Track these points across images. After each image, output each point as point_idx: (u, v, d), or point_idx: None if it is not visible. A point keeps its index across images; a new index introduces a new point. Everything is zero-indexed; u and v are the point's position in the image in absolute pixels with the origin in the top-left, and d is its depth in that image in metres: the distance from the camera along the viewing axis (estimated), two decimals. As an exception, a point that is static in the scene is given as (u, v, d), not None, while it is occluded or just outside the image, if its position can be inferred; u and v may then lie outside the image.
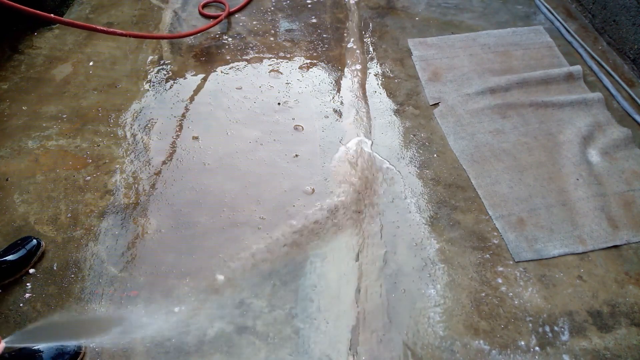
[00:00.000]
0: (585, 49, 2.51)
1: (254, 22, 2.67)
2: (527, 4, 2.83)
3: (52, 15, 1.80)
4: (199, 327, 1.50)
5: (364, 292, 1.59)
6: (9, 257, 1.57)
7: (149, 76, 2.33)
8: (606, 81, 2.32)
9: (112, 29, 2.10)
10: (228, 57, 2.45)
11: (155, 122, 2.12)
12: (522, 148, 2.02)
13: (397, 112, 2.19)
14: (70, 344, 1.41)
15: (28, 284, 1.58)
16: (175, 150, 2.01)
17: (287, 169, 1.95)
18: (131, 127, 2.09)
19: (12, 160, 1.94)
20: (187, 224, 1.76)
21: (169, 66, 2.38)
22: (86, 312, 1.52)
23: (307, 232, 1.74)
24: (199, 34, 2.56)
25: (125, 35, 2.20)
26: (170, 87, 2.28)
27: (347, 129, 2.11)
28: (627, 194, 1.87)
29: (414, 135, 2.09)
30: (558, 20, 2.67)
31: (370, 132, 2.09)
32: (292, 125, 2.12)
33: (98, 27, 2.03)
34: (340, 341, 1.48)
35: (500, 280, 1.63)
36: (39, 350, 1.39)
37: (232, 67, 2.39)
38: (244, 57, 2.45)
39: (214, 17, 2.67)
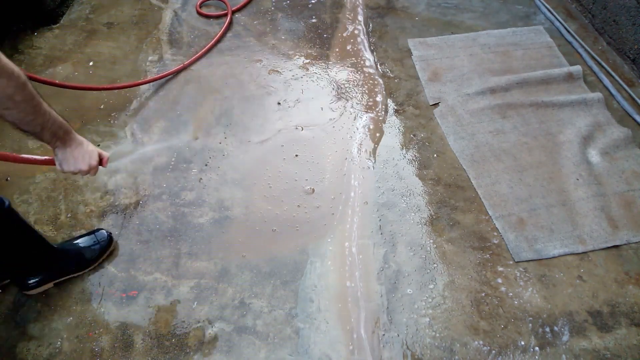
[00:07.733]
0: (585, 49, 2.50)
1: (255, 22, 2.67)
2: (527, 4, 2.82)
3: None
4: (199, 327, 1.50)
5: (364, 292, 1.59)
6: None
7: (149, 76, 2.33)
8: (606, 81, 2.32)
9: None
10: (228, 57, 2.45)
11: (156, 122, 2.12)
12: (522, 148, 2.02)
13: (397, 112, 2.19)
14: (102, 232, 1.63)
15: (28, 284, 1.58)
16: (175, 150, 2.01)
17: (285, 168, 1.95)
18: (131, 127, 2.09)
19: (12, 160, 1.94)
20: (187, 224, 1.77)
21: (169, 66, 2.38)
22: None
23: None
24: (198, 34, 2.56)
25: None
26: (171, 87, 2.28)
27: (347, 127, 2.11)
28: (627, 194, 1.87)
29: (414, 135, 2.09)
30: (558, 20, 2.67)
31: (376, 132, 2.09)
32: (293, 126, 2.12)
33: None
34: (340, 341, 1.48)
35: (500, 280, 1.63)
36: (76, 242, 1.61)
37: (233, 67, 2.39)
38: (244, 57, 2.45)
39: (214, 17, 2.68)
